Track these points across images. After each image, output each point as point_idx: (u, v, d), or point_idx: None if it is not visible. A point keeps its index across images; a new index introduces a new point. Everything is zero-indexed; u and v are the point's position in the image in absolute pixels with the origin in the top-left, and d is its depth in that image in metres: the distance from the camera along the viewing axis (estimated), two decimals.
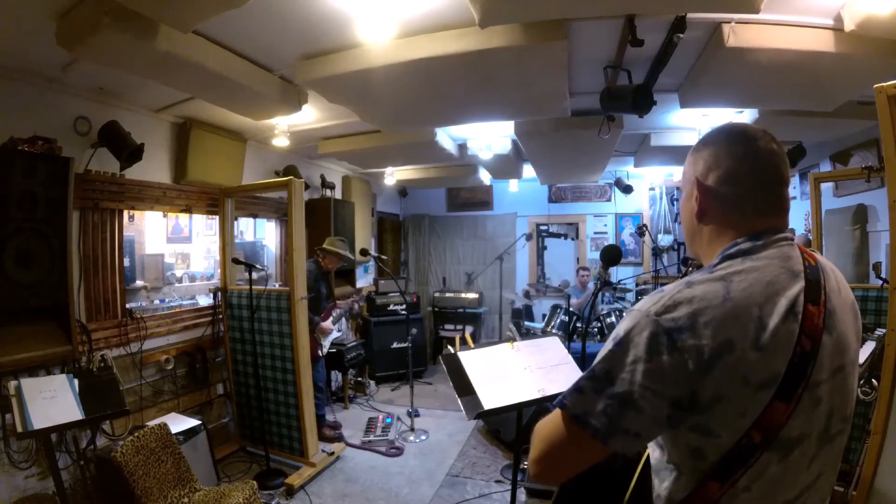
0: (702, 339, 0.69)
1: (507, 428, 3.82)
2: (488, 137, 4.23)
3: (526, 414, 3.57)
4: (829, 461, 0.79)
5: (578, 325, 4.48)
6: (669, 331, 0.71)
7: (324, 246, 4.11)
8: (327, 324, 4.12)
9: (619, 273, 6.24)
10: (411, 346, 4.52)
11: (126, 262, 3.47)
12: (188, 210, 3.77)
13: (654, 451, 0.85)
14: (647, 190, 6.67)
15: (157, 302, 4.10)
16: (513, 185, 6.61)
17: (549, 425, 0.81)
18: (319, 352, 4.04)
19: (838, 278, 0.84)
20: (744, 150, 0.83)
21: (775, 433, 0.71)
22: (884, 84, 1.72)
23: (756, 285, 0.74)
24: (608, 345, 0.77)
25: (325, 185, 5.32)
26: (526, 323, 5.98)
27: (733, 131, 0.86)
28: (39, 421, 2.09)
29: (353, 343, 5.08)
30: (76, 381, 2.35)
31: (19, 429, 2.05)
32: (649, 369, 0.71)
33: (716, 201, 0.84)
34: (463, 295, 6.83)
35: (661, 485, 0.81)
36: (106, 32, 1.89)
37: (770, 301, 0.73)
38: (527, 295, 6.83)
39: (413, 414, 4.35)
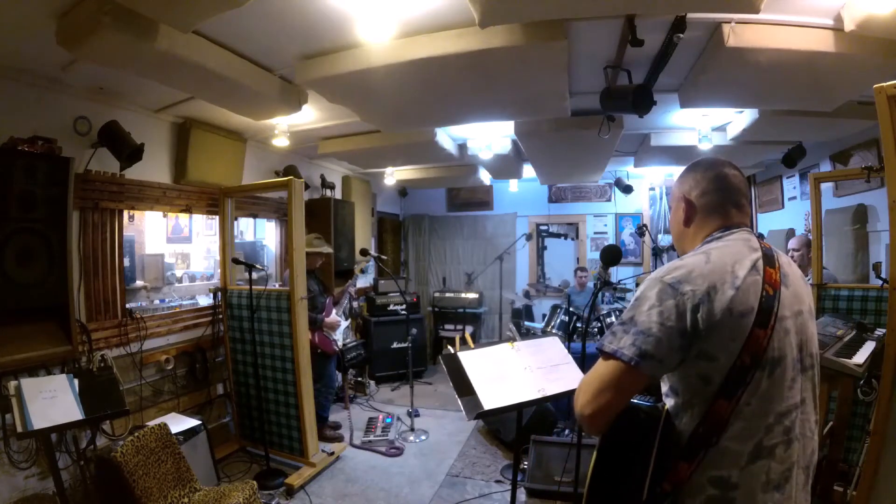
0: (695, 286, 0.98)
1: (507, 428, 3.82)
2: (488, 137, 4.23)
3: (526, 414, 3.58)
4: (808, 390, 1.04)
5: (578, 325, 4.48)
6: (672, 284, 1.00)
7: None
8: (333, 317, 4.11)
9: (619, 273, 6.24)
10: (411, 346, 4.52)
11: (126, 262, 3.46)
12: (188, 210, 3.77)
13: (669, 401, 1.07)
14: (647, 190, 6.67)
15: (157, 302, 4.10)
16: (513, 185, 6.61)
17: (594, 371, 1.04)
18: (334, 346, 4.03)
19: (788, 259, 1.15)
20: (712, 174, 1.17)
21: (760, 354, 0.96)
22: (884, 84, 1.72)
23: (727, 255, 1.04)
24: (631, 302, 1.05)
25: (325, 185, 5.32)
26: (526, 323, 5.99)
27: (705, 162, 1.21)
28: (39, 421, 2.09)
29: (353, 343, 5.08)
30: (76, 381, 2.35)
31: (19, 429, 2.06)
32: (661, 310, 0.98)
33: (697, 210, 1.18)
34: (463, 295, 6.83)
35: (681, 422, 1.02)
36: (106, 32, 1.89)
37: (738, 262, 1.02)
38: (527, 295, 6.82)
39: (413, 414, 4.35)
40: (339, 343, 4.15)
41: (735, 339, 0.96)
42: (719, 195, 1.15)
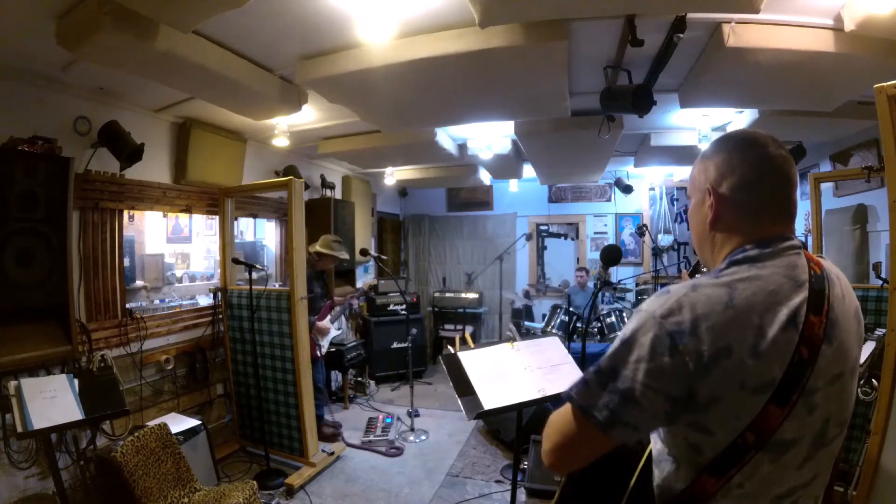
0: (702, 344, 0.73)
1: (507, 428, 3.82)
2: (488, 137, 4.23)
3: (526, 414, 3.58)
4: (823, 463, 0.82)
5: (578, 325, 4.48)
6: (672, 334, 0.74)
7: (318, 248, 4.02)
8: (324, 323, 4.09)
9: (619, 273, 6.24)
10: (411, 346, 4.52)
11: (126, 262, 3.46)
12: (188, 210, 3.77)
13: (655, 444, 0.89)
14: (647, 190, 6.67)
15: (157, 302, 4.10)
16: (513, 185, 6.61)
17: (560, 417, 0.86)
18: (318, 352, 4.01)
19: (843, 285, 0.85)
20: (755, 156, 0.84)
21: (768, 435, 0.74)
22: (884, 84, 1.72)
23: (759, 294, 0.76)
24: (615, 343, 0.81)
25: (325, 185, 5.32)
26: (526, 323, 5.99)
27: (744, 138, 0.87)
28: (39, 421, 2.09)
29: (353, 343, 5.08)
30: (76, 381, 2.35)
31: (19, 429, 2.06)
32: (651, 369, 0.75)
33: (730, 209, 0.85)
34: (463, 295, 6.83)
35: (662, 475, 0.85)
36: (106, 32, 1.89)
37: (771, 310, 0.75)
38: (527, 295, 6.83)
39: (413, 414, 4.35)
40: (325, 349, 4.13)
41: (740, 418, 0.74)
42: (762, 189, 0.84)
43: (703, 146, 3.79)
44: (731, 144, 0.87)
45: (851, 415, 0.85)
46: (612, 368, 0.79)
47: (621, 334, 0.81)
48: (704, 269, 0.97)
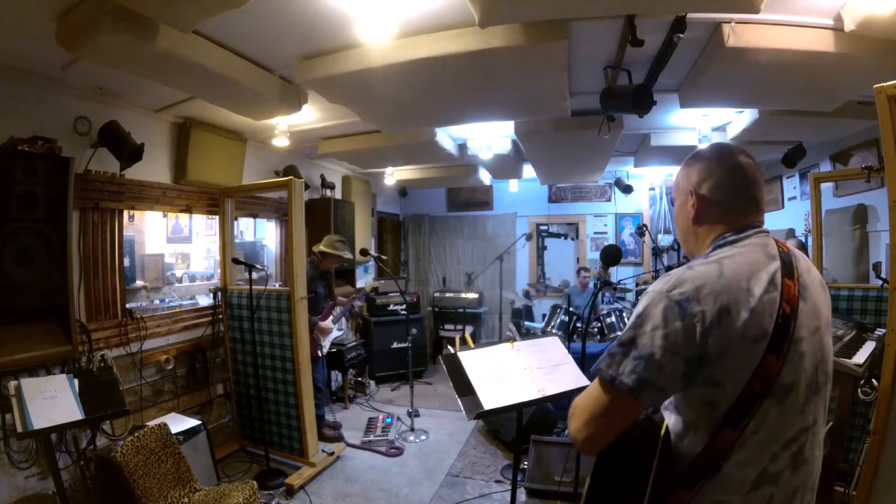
0: (706, 307, 0.87)
1: (507, 428, 3.82)
2: (488, 137, 4.23)
3: (526, 414, 3.58)
4: (819, 409, 0.97)
5: (578, 325, 4.48)
6: (679, 302, 0.89)
7: (322, 248, 4.03)
8: (327, 323, 4.10)
9: (619, 273, 6.24)
10: (411, 346, 4.52)
11: (126, 262, 3.46)
12: (188, 210, 3.77)
13: (670, 418, 0.99)
14: (647, 190, 6.67)
15: (157, 302, 4.10)
16: (513, 185, 6.61)
17: (590, 395, 0.97)
18: (319, 352, 4.02)
19: (808, 262, 1.04)
20: (728, 164, 1.03)
21: (771, 382, 0.88)
22: (884, 84, 1.71)
23: (742, 265, 0.93)
24: (631, 320, 0.94)
25: (325, 185, 5.32)
26: (526, 323, 5.99)
27: (719, 149, 1.08)
28: (39, 421, 2.09)
29: (353, 343, 5.08)
30: (76, 381, 2.35)
31: (19, 429, 2.06)
32: (666, 333, 0.88)
33: (709, 206, 1.04)
34: (463, 295, 6.83)
35: (682, 443, 0.95)
36: (106, 32, 1.89)
37: (754, 276, 0.92)
38: (527, 295, 6.83)
39: (413, 414, 4.35)
40: (326, 349, 4.14)
41: (744, 368, 0.87)
42: (734, 189, 1.02)
43: (704, 146, 3.78)
44: (709, 154, 1.07)
45: (832, 370, 1.01)
46: (631, 339, 0.91)
47: (635, 312, 0.94)
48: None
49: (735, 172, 1.02)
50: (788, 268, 0.95)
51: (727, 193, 1.03)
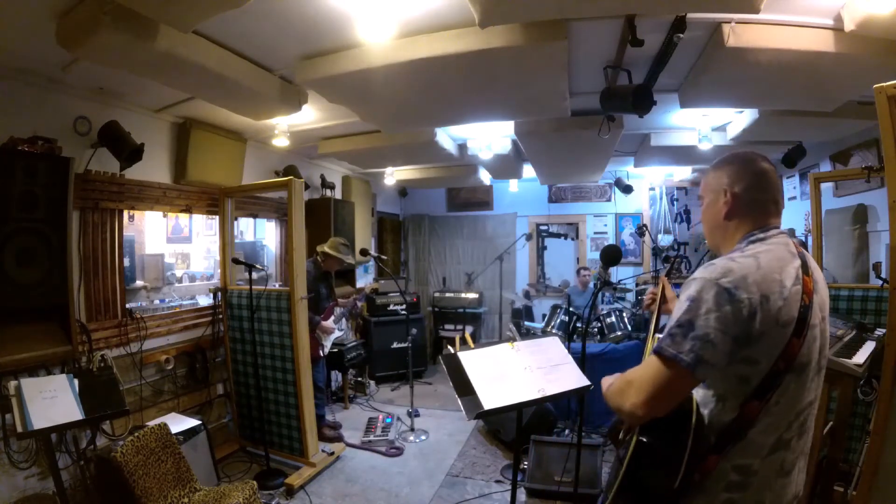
0: (750, 293, 1.00)
1: (507, 428, 3.82)
2: (488, 137, 4.23)
3: (526, 414, 3.58)
4: (819, 387, 1.14)
5: (578, 325, 4.48)
6: (728, 289, 1.01)
7: (325, 249, 4.04)
8: (329, 323, 4.10)
9: (619, 273, 6.24)
10: (411, 346, 4.52)
11: (126, 262, 3.47)
12: (188, 210, 3.77)
13: (697, 392, 1.11)
14: (647, 190, 6.67)
15: (157, 302, 4.10)
16: (513, 185, 6.61)
17: (648, 371, 1.06)
18: (321, 352, 4.02)
19: (814, 262, 1.18)
20: (755, 168, 1.18)
21: (793, 360, 1.03)
22: (884, 84, 1.72)
23: (774, 261, 1.07)
24: (684, 304, 1.05)
25: (325, 185, 5.32)
26: (526, 323, 5.98)
27: (745, 155, 1.21)
28: (39, 421, 2.09)
29: (353, 343, 5.08)
30: (76, 381, 2.35)
31: (19, 429, 2.05)
32: (719, 316, 1.00)
33: (740, 204, 1.17)
34: (463, 295, 6.83)
35: (711, 413, 1.09)
36: (106, 32, 1.89)
37: (784, 270, 1.06)
38: (527, 295, 6.82)
39: (413, 414, 4.35)
40: (327, 349, 4.14)
41: (776, 348, 1.02)
42: (763, 191, 1.16)
43: (704, 146, 3.81)
44: (737, 160, 1.21)
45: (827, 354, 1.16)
46: (689, 321, 1.02)
47: (687, 297, 1.06)
48: (684, 269, 1.16)
49: (762, 176, 1.17)
50: (805, 265, 1.10)
51: (756, 194, 1.16)
